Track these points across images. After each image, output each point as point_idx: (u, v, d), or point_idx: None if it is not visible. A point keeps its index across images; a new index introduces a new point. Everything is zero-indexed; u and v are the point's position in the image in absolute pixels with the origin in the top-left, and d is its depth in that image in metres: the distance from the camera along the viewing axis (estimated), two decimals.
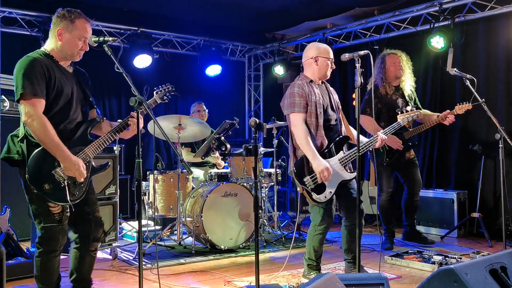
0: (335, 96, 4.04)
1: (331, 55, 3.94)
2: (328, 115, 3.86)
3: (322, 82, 4.01)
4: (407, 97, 5.26)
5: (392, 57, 5.21)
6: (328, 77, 3.98)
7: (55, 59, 3.04)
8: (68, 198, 2.91)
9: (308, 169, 3.74)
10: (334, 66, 3.95)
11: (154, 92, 3.43)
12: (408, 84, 5.31)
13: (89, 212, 3.12)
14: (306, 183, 3.74)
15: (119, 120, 3.22)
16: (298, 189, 3.85)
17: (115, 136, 3.14)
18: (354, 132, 3.93)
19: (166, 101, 3.46)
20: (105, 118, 3.34)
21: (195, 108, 6.46)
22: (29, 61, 2.91)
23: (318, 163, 3.66)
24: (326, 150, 3.79)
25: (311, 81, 3.89)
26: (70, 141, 3.00)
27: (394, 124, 4.06)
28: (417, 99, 5.44)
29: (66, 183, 2.92)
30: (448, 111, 4.97)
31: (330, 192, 3.75)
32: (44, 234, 2.98)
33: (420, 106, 5.37)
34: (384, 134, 3.93)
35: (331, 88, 4.08)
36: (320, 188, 3.74)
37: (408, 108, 4.34)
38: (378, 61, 5.31)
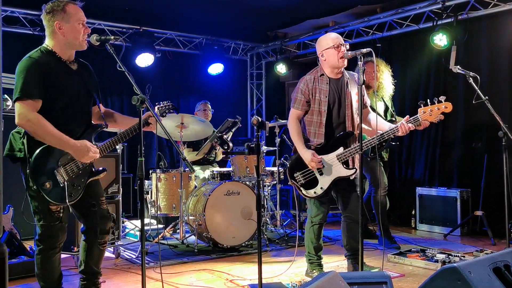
0: (352, 90, 3.83)
1: (336, 40, 3.76)
2: (334, 113, 3.80)
3: (340, 74, 3.85)
4: (383, 104, 5.23)
5: (369, 66, 5.04)
6: (344, 64, 3.79)
7: (57, 55, 2.99)
8: (67, 199, 2.90)
9: (300, 165, 3.79)
10: (344, 49, 3.72)
11: (156, 107, 3.44)
12: (385, 92, 5.24)
13: (94, 204, 3.09)
14: (296, 178, 3.82)
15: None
16: (289, 183, 3.92)
17: (117, 144, 3.14)
18: (385, 125, 3.85)
19: (165, 116, 3.47)
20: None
21: (201, 107, 6.43)
22: (27, 62, 2.88)
23: (308, 155, 3.71)
24: (321, 146, 3.77)
25: (322, 74, 3.84)
26: None
27: (417, 115, 3.70)
28: (392, 108, 5.33)
29: (65, 184, 2.91)
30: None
31: (321, 188, 3.77)
32: (44, 231, 2.98)
33: (395, 116, 5.28)
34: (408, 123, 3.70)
35: (355, 77, 3.87)
36: (310, 184, 3.80)
37: (441, 98, 3.62)
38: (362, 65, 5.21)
